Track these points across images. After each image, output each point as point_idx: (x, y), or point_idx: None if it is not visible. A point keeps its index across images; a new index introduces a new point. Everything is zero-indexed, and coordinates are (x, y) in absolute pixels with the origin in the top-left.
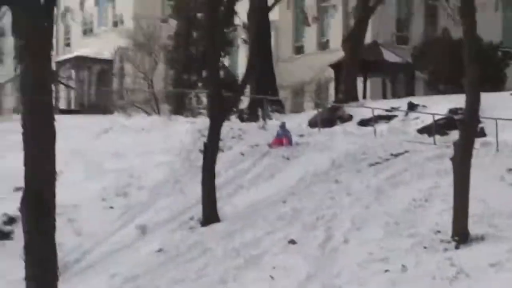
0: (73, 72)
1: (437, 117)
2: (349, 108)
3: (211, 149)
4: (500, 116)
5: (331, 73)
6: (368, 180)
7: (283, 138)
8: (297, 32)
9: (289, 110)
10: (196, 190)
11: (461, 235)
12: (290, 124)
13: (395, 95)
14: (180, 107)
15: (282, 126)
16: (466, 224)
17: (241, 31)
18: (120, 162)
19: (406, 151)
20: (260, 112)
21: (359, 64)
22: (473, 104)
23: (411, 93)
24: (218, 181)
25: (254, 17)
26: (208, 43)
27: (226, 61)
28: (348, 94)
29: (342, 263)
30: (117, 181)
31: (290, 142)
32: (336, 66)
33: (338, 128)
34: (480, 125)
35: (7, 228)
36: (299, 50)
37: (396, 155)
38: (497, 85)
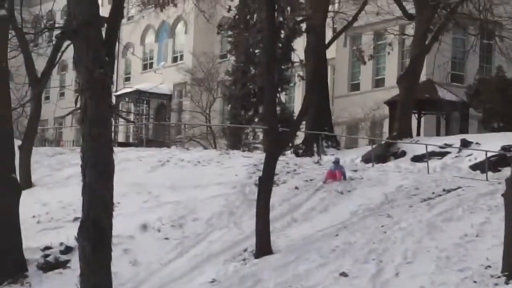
0: (132, 106)
1: (489, 154)
2: (403, 145)
3: (266, 182)
4: None
5: (386, 110)
6: (420, 215)
7: (336, 172)
8: (353, 70)
9: (344, 146)
10: (250, 222)
11: None
12: (345, 160)
13: (449, 132)
14: (236, 142)
15: (336, 161)
16: None
17: (298, 68)
18: (176, 194)
19: (459, 187)
20: (315, 148)
21: (414, 101)
22: None
23: (465, 130)
24: (272, 214)
25: (311, 54)
26: (266, 79)
27: (283, 97)
28: (402, 131)
29: None
30: (173, 212)
31: (344, 177)
32: (391, 103)
33: (391, 164)
34: None
35: (64, 257)
36: (355, 87)
37: (449, 191)
38: None
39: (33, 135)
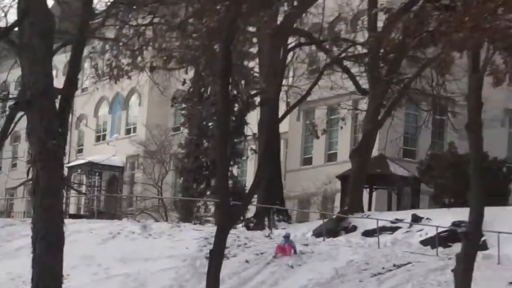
0: (84, 178)
1: (440, 230)
2: (354, 219)
3: (216, 256)
4: (502, 230)
5: (338, 184)
6: None
7: (285, 246)
8: (306, 144)
9: (295, 219)
10: None
11: None
12: (296, 234)
13: (400, 207)
14: (188, 214)
15: (287, 236)
16: None
17: (251, 141)
18: (127, 267)
19: (409, 262)
20: (266, 221)
21: (365, 176)
22: (477, 218)
23: (416, 205)
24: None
25: (264, 128)
26: (219, 152)
27: (235, 170)
28: (353, 206)
29: None
30: (123, 285)
31: (294, 251)
32: (343, 178)
33: (342, 238)
34: (483, 238)
35: None
36: (307, 161)
37: (399, 266)
38: (501, 200)
39: None
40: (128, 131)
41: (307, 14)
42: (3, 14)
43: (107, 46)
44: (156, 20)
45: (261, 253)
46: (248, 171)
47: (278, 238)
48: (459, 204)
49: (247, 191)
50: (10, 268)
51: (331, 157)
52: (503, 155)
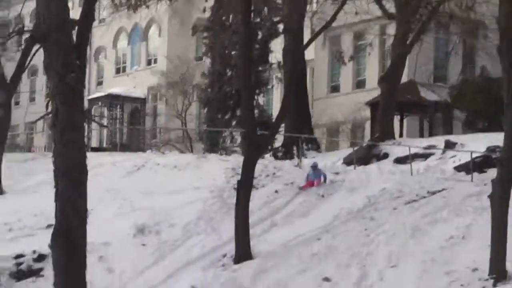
0: (105, 111)
1: (474, 155)
2: (385, 147)
3: (244, 187)
4: None
5: (367, 112)
6: (404, 217)
7: (314, 180)
8: (333, 71)
9: (324, 148)
10: (229, 227)
11: (499, 273)
12: (325, 162)
13: (433, 134)
14: (213, 145)
15: (314, 166)
16: (504, 262)
17: (276, 70)
18: (152, 200)
19: (444, 189)
20: (295, 151)
21: (395, 103)
22: (511, 143)
23: (449, 131)
24: (251, 219)
25: (289, 56)
26: (243, 81)
27: (261, 99)
28: (384, 133)
29: None
30: (149, 218)
31: (324, 180)
32: (372, 105)
33: (373, 166)
34: None
35: (37, 265)
36: (334, 89)
37: (433, 193)
38: None
39: (3, 141)
40: (148, 62)
41: None
42: None
43: None
44: None
45: (291, 183)
46: (274, 100)
47: (308, 167)
48: (494, 129)
49: (273, 120)
50: (33, 204)
51: (359, 84)
52: None
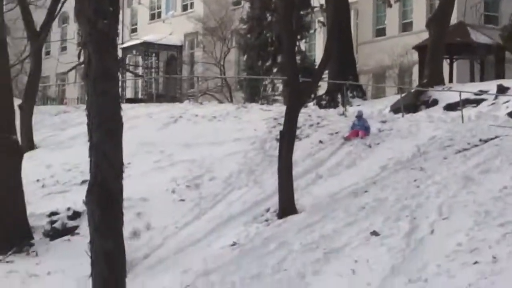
0: (140, 59)
1: None
2: (435, 93)
3: (287, 137)
4: None
5: (415, 56)
6: (455, 167)
7: (359, 130)
8: (378, 13)
9: (370, 95)
10: (271, 180)
11: None
12: (372, 110)
13: (484, 78)
14: (254, 94)
15: (359, 116)
16: None
17: (318, 13)
18: (191, 153)
19: (497, 137)
20: (339, 98)
21: (444, 46)
22: None
23: (501, 75)
24: (295, 171)
25: None
26: (283, 26)
27: (303, 45)
28: (433, 78)
29: (429, 255)
30: (188, 172)
31: (367, 133)
32: (420, 49)
33: (422, 113)
34: None
35: (72, 223)
36: (380, 32)
37: (486, 141)
38: None
39: (34, 93)
40: (184, 8)
41: None
42: None
43: None
44: None
45: (336, 133)
46: (316, 45)
47: (353, 116)
48: None
49: (316, 67)
50: (66, 158)
51: (406, 27)
52: None
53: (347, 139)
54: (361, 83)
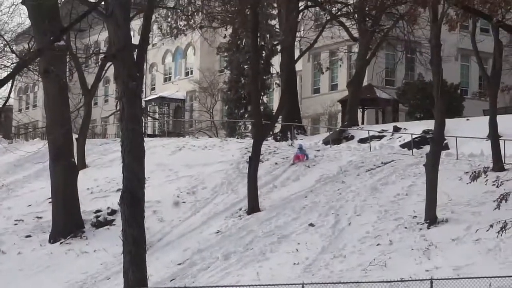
0: (156, 108)
1: (414, 136)
2: (352, 131)
3: (254, 160)
4: (459, 135)
5: (339, 106)
6: (365, 181)
7: (299, 156)
8: (315, 78)
9: (309, 133)
10: (243, 189)
11: (431, 218)
12: (310, 143)
13: (385, 121)
14: (232, 131)
15: (300, 147)
16: (434, 211)
17: (275, 78)
18: (190, 171)
19: (393, 160)
20: (289, 135)
21: (359, 100)
22: (440, 126)
23: (396, 120)
24: (259, 183)
25: (284, 68)
26: (252, 87)
27: (265, 99)
28: (351, 121)
29: (347, 239)
30: (188, 183)
31: (306, 158)
32: (343, 102)
33: (344, 145)
34: (445, 141)
35: (111, 217)
36: (316, 90)
37: (385, 163)
38: (457, 113)
39: (86, 130)
40: (186, 74)
41: None
42: None
43: (169, 13)
44: None
45: (286, 158)
46: (274, 99)
47: (297, 147)
48: (427, 118)
49: (274, 114)
50: (107, 174)
51: (333, 87)
52: (457, 81)
53: (293, 162)
54: (303, 124)
